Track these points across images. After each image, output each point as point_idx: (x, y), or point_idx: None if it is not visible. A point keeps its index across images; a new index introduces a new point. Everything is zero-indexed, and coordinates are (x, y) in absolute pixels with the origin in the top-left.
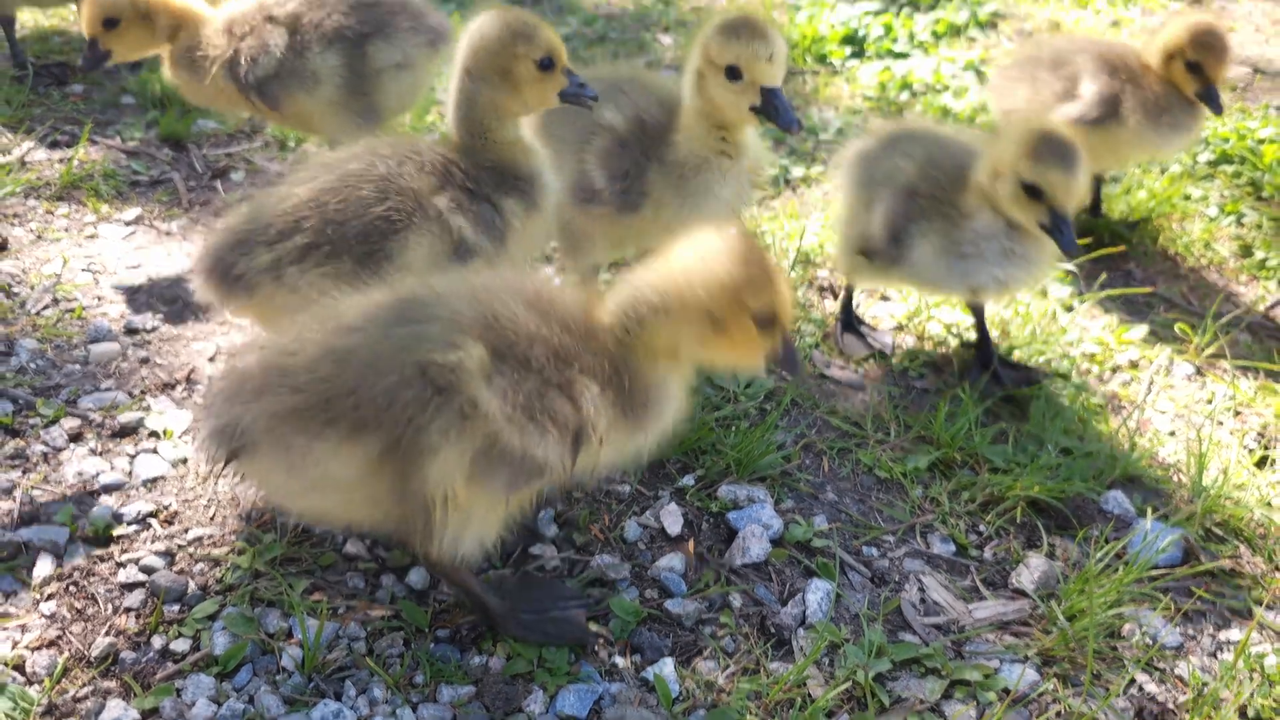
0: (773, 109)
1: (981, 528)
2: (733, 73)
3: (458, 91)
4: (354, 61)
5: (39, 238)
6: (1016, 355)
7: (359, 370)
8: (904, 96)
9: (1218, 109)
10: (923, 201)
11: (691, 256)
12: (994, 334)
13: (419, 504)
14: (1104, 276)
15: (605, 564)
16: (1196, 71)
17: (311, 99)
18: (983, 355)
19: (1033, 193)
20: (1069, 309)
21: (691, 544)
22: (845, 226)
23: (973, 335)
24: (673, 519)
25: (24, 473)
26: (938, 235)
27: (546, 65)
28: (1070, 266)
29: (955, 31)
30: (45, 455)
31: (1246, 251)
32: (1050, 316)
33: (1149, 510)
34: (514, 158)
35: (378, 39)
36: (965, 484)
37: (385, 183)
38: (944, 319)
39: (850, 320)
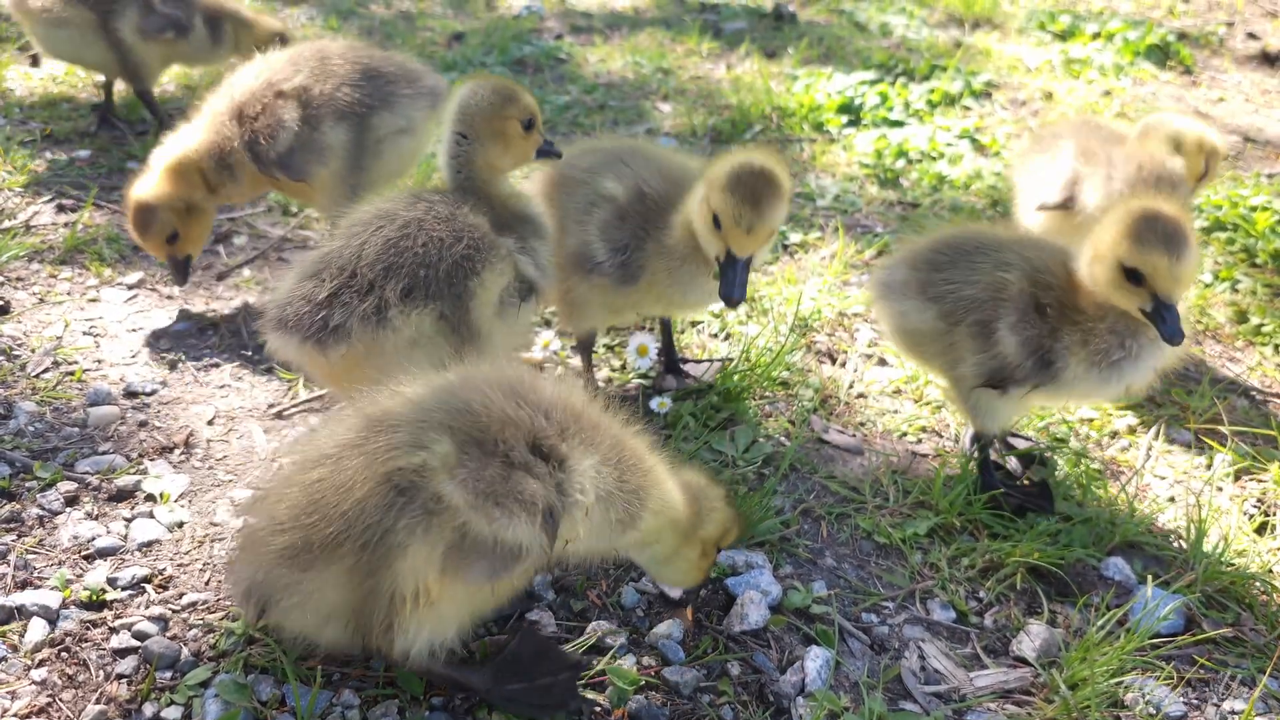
0: (725, 272)
1: (982, 594)
2: (716, 220)
3: (452, 156)
4: (360, 134)
5: (41, 301)
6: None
7: (329, 496)
8: (900, 164)
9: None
10: (1054, 312)
11: (710, 495)
12: None
13: (384, 601)
14: None
15: (602, 630)
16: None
17: (326, 170)
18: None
19: (1133, 277)
20: None
21: (690, 610)
22: (947, 364)
23: None
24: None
25: (19, 536)
26: (1081, 347)
27: (529, 126)
28: None
29: (950, 101)
30: (41, 519)
31: (1242, 317)
32: None
33: (1150, 577)
34: (516, 207)
35: (383, 111)
36: (965, 550)
37: (452, 222)
38: (942, 384)
39: (992, 479)
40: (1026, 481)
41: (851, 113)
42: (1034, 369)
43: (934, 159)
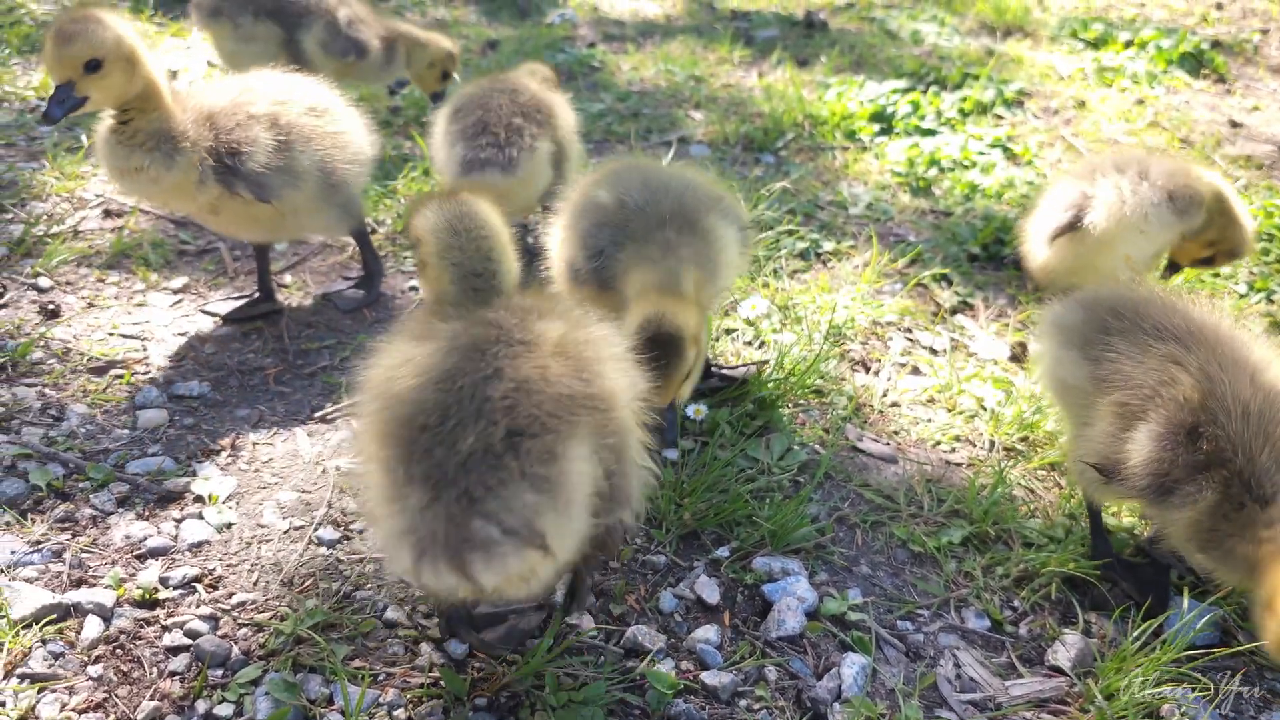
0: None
1: (1016, 603)
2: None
3: None
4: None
5: (90, 305)
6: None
7: (534, 399)
8: (932, 173)
9: None
10: (1209, 446)
11: None
12: (1028, 410)
13: (626, 477)
14: None
15: (641, 635)
16: None
17: (299, 195)
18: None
19: None
20: None
21: (727, 616)
22: (1074, 428)
23: (1004, 410)
24: (709, 590)
25: (73, 536)
26: (1216, 496)
27: None
28: None
29: (982, 109)
30: (94, 519)
31: (1277, 328)
32: None
33: (1185, 588)
34: None
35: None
36: (999, 559)
37: (519, 91)
38: (975, 393)
39: (1104, 546)
40: (1142, 559)
41: (883, 121)
42: (1146, 488)
43: (966, 168)
